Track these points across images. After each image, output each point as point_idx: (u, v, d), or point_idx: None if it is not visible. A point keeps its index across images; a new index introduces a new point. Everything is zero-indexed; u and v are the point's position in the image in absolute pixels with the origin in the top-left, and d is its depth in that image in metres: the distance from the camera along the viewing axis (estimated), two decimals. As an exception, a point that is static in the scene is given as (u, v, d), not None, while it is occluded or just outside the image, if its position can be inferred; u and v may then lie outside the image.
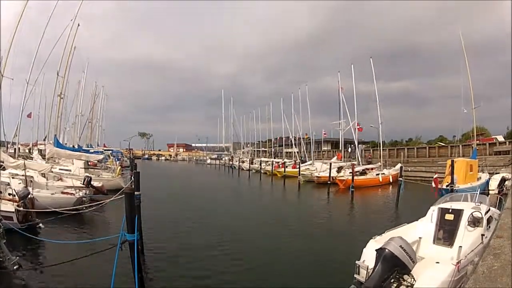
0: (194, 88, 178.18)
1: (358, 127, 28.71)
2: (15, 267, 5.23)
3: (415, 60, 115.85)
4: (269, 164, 36.67)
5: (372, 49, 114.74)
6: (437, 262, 4.16)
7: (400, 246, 3.76)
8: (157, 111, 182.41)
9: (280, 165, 33.24)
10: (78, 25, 19.98)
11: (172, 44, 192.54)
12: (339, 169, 24.12)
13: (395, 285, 3.70)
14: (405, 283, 3.70)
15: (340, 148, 33.54)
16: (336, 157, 34.55)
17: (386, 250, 3.75)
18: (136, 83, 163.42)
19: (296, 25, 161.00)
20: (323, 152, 48.87)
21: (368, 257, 4.50)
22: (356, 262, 4.65)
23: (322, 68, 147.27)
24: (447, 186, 12.75)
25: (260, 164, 38.34)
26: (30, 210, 8.16)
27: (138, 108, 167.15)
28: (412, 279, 3.71)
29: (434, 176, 15.58)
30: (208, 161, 68.36)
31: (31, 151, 27.58)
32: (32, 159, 18.36)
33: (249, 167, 41.37)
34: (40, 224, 8.10)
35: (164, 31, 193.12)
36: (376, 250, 3.93)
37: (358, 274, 4.54)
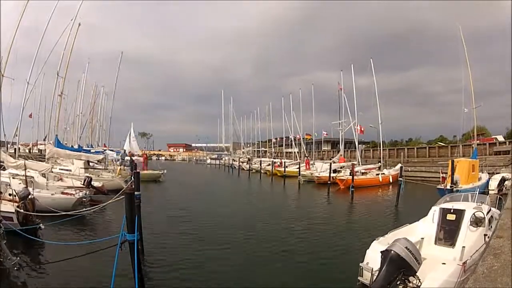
0: (181, 83, 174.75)
1: (359, 128, 28.58)
2: (15, 268, 5.24)
3: (416, 48, 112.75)
4: (269, 164, 36.68)
5: (370, 32, 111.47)
6: (443, 263, 4.14)
7: (406, 247, 3.71)
8: (147, 109, 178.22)
9: (280, 164, 33.26)
10: (79, 24, 20.01)
11: (152, 37, 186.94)
12: (339, 170, 24.13)
13: (400, 287, 3.67)
14: (410, 284, 3.67)
15: (340, 149, 33.50)
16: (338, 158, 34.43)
17: (392, 251, 3.69)
18: (123, 81, 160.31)
19: (284, 4, 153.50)
20: (323, 152, 48.89)
21: (372, 259, 4.46)
22: (360, 264, 4.60)
23: (315, 58, 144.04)
24: (450, 186, 12.74)
25: (260, 164, 38.44)
26: (31, 212, 8.12)
27: (130, 107, 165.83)
28: (418, 281, 3.69)
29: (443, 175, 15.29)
30: (208, 161, 68.27)
31: (31, 151, 27.58)
32: (31, 159, 18.35)
33: (249, 167, 41.47)
34: (41, 225, 8.07)
35: (142, 23, 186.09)
36: (381, 252, 3.87)
37: (362, 276, 4.50)
